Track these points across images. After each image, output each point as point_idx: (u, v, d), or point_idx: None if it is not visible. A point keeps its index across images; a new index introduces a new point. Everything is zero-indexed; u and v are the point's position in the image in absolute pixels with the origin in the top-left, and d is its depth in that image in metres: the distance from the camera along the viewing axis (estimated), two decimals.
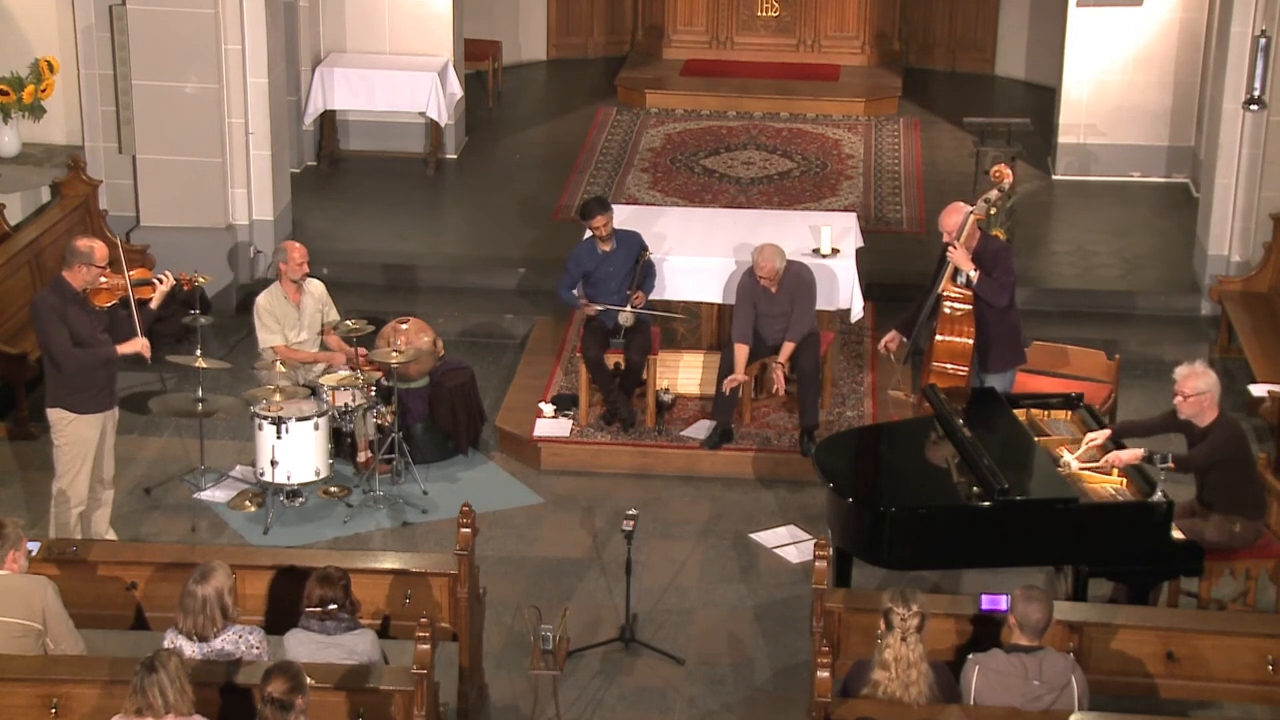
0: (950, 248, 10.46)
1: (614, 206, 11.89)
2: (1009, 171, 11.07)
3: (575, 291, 11.72)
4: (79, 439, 9.77)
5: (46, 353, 9.70)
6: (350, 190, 15.53)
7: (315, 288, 11.39)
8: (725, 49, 19.00)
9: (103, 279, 9.67)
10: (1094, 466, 9.12)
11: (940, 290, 10.55)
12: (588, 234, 11.76)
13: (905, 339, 10.80)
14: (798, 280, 11.41)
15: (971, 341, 10.48)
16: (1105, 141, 15.79)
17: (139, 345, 9.78)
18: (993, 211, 10.59)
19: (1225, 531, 9.17)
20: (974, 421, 9.58)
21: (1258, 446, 11.06)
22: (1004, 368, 10.61)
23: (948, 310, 10.50)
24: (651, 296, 11.86)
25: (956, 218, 10.49)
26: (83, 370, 9.62)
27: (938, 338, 10.52)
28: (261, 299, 11.31)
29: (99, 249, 9.66)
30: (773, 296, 11.35)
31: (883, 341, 10.92)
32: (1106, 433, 9.35)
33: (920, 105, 17.98)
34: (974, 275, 10.41)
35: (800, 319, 11.35)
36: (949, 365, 10.48)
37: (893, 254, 14.15)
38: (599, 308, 11.56)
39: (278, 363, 11.00)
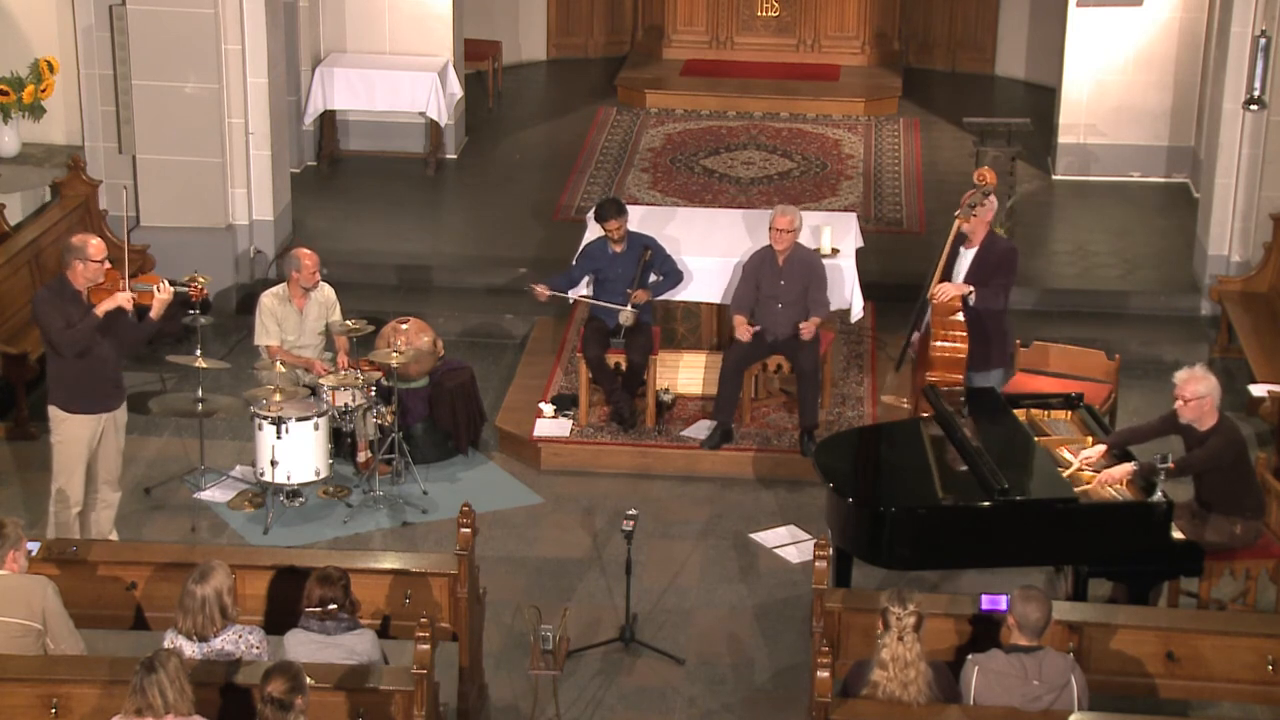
0: (931, 294, 10.50)
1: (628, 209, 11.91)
2: (991, 173, 11.11)
3: (587, 289, 11.74)
4: (72, 438, 9.75)
5: (47, 343, 9.68)
6: (350, 190, 15.53)
7: (323, 293, 11.37)
8: (725, 49, 19.01)
9: (103, 277, 9.64)
10: (1089, 489, 9.09)
11: (928, 296, 10.57)
12: (600, 233, 11.77)
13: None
14: (806, 265, 11.44)
15: (965, 348, 10.49)
16: (1105, 141, 15.79)
17: (120, 299, 9.59)
18: (974, 214, 10.64)
19: (1225, 532, 9.17)
20: (974, 421, 9.59)
21: (1257, 447, 11.07)
22: (987, 367, 10.63)
23: (940, 317, 10.50)
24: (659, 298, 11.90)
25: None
26: (83, 351, 9.54)
27: (935, 344, 10.50)
28: (266, 298, 11.30)
29: (94, 243, 9.63)
30: (778, 270, 11.35)
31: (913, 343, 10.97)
32: (1101, 449, 9.32)
33: (920, 105, 17.98)
34: (972, 297, 10.45)
35: (819, 300, 11.41)
36: (946, 374, 10.47)
37: (893, 254, 14.15)
38: (550, 293, 11.62)
39: (278, 363, 11.00)
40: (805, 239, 12.10)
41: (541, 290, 11.69)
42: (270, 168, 13.60)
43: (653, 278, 11.76)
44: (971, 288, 10.53)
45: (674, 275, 11.84)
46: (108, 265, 9.68)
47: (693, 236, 12.51)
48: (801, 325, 11.27)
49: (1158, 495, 8.86)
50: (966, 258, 10.71)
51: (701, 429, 11.61)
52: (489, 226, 14.88)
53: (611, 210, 11.64)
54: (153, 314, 9.83)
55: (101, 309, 9.55)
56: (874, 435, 10.44)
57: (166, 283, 9.97)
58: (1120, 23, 15.58)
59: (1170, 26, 15.59)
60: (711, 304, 12.40)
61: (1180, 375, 9.16)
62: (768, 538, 10.71)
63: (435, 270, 13.97)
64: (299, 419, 10.56)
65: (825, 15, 18.90)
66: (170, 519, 10.78)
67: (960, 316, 10.53)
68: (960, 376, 10.49)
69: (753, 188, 15.61)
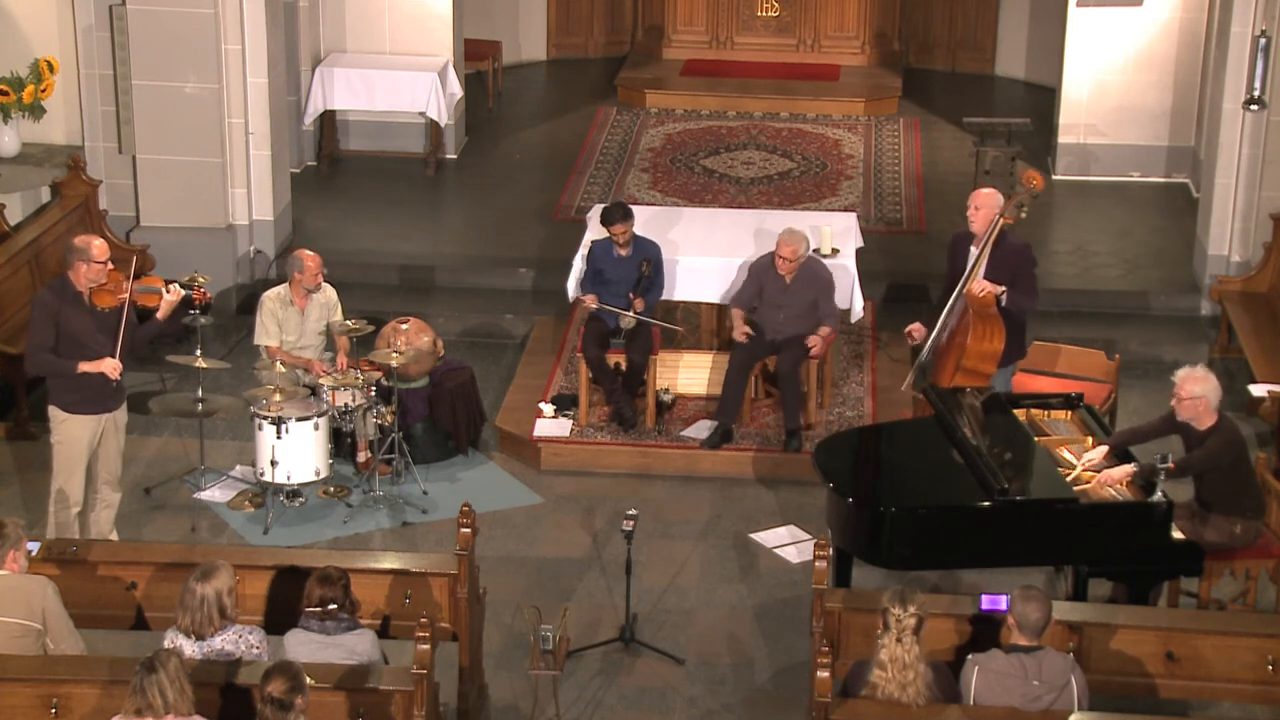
0: (968, 286, 10.42)
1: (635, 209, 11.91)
2: (1039, 176, 10.94)
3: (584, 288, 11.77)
4: (71, 439, 9.75)
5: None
6: (350, 190, 15.53)
7: (325, 295, 11.37)
8: (725, 49, 19.01)
9: (106, 278, 9.63)
10: (1088, 489, 9.09)
11: (966, 291, 10.53)
12: (602, 233, 11.78)
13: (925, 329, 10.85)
14: (814, 276, 11.46)
15: (1003, 344, 10.43)
16: (1105, 141, 15.79)
17: (105, 366, 9.61)
18: (1023, 215, 10.62)
19: (1225, 532, 9.17)
20: (974, 421, 9.58)
21: (1257, 447, 11.07)
22: (1004, 363, 10.63)
23: (980, 312, 10.44)
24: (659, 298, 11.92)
25: (985, 200, 10.51)
26: (42, 375, 9.59)
27: (970, 341, 10.42)
28: (268, 297, 11.30)
29: (97, 245, 9.63)
30: (784, 285, 11.37)
31: (911, 333, 10.90)
32: (1103, 450, 9.32)
33: (920, 105, 17.98)
34: (1004, 297, 10.35)
35: (829, 311, 11.46)
36: (979, 367, 10.42)
37: (893, 254, 14.15)
38: (595, 305, 11.60)
39: (278, 363, 11.00)
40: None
41: (591, 300, 11.64)
42: (270, 168, 13.60)
43: None
44: (1004, 288, 10.45)
45: (657, 289, 11.83)
46: (110, 267, 9.70)
47: (694, 237, 12.52)
48: (810, 340, 11.28)
49: (1158, 495, 8.86)
50: (973, 257, 10.67)
51: (702, 429, 11.62)
52: (489, 226, 14.88)
53: (618, 215, 11.64)
54: (160, 315, 9.83)
55: (83, 368, 9.57)
56: (874, 435, 10.44)
57: (178, 285, 9.96)
58: (1120, 23, 15.57)
59: (1170, 26, 15.59)
60: (712, 304, 12.41)
61: (1181, 373, 9.17)
62: (768, 538, 10.71)
63: (435, 270, 13.97)
64: (299, 419, 10.56)
65: (825, 15, 18.90)
66: (170, 519, 10.78)
67: (995, 309, 10.50)
68: (993, 369, 10.44)
69: (753, 188, 15.61)
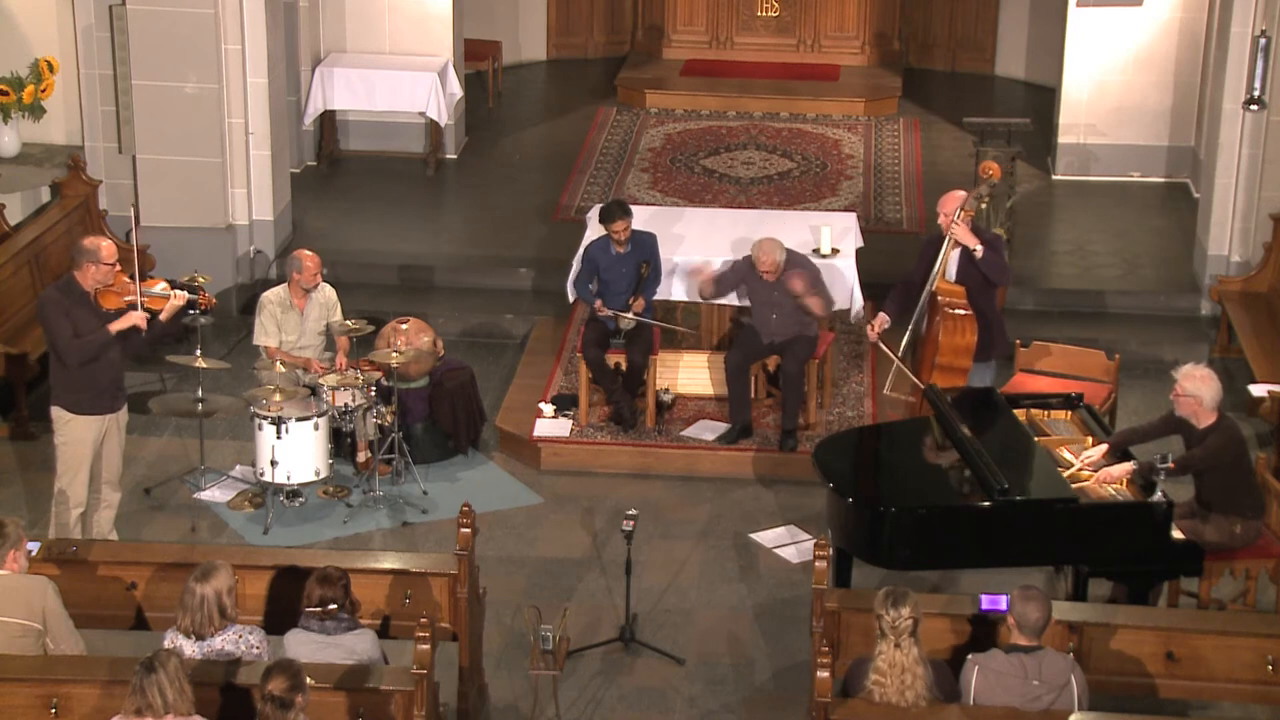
0: (954, 225, 10.49)
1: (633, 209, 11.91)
2: (996, 166, 11.17)
3: (591, 288, 11.73)
4: (76, 440, 9.75)
5: (52, 349, 9.69)
6: (350, 190, 15.53)
7: (324, 294, 11.38)
8: (725, 49, 19.00)
9: (112, 279, 9.63)
10: (1087, 487, 9.10)
11: (934, 288, 10.57)
12: (601, 232, 11.77)
13: (889, 320, 10.89)
14: (798, 270, 11.43)
15: (975, 338, 10.50)
16: (1105, 141, 15.79)
17: (134, 318, 9.63)
18: (983, 205, 10.67)
19: (1225, 532, 9.17)
20: (974, 421, 9.59)
21: (1257, 448, 11.07)
22: (985, 358, 10.65)
23: (949, 308, 10.50)
24: (657, 297, 11.89)
25: (955, 203, 10.58)
26: (88, 361, 9.56)
27: (942, 337, 10.49)
28: (267, 298, 11.31)
29: (106, 246, 9.66)
30: (770, 284, 11.37)
31: (874, 326, 10.90)
32: (1103, 449, 9.33)
33: (920, 105, 17.97)
34: (979, 251, 10.45)
35: (822, 298, 11.41)
36: (954, 362, 10.48)
37: (893, 254, 14.12)
38: (610, 311, 11.59)
39: (278, 363, 11.00)
40: (805, 239, 12.12)
41: (600, 307, 11.64)
42: (270, 168, 13.60)
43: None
44: (980, 244, 10.51)
45: (655, 281, 11.83)
46: (118, 269, 9.71)
47: (693, 236, 12.52)
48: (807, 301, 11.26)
49: (1158, 495, 8.86)
50: (949, 255, 10.71)
51: (702, 429, 11.62)
52: (489, 226, 14.88)
53: (617, 212, 11.64)
54: (163, 317, 9.84)
55: (115, 327, 9.57)
56: (874, 435, 10.45)
57: (184, 291, 9.95)
58: (1120, 23, 15.57)
59: (1170, 26, 15.59)
60: (712, 304, 12.40)
61: (1184, 369, 9.18)
62: (768, 538, 10.71)
63: (435, 270, 13.98)
64: (299, 419, 10.56)
65: (825, 15, 18.89)
66: (170, 519, 10.78)
67: (964, 303, 10.54)
68: (968, 364, 10.49)
69: (753, 188, 15.61)
